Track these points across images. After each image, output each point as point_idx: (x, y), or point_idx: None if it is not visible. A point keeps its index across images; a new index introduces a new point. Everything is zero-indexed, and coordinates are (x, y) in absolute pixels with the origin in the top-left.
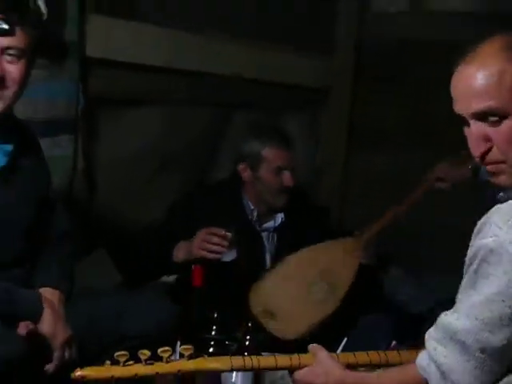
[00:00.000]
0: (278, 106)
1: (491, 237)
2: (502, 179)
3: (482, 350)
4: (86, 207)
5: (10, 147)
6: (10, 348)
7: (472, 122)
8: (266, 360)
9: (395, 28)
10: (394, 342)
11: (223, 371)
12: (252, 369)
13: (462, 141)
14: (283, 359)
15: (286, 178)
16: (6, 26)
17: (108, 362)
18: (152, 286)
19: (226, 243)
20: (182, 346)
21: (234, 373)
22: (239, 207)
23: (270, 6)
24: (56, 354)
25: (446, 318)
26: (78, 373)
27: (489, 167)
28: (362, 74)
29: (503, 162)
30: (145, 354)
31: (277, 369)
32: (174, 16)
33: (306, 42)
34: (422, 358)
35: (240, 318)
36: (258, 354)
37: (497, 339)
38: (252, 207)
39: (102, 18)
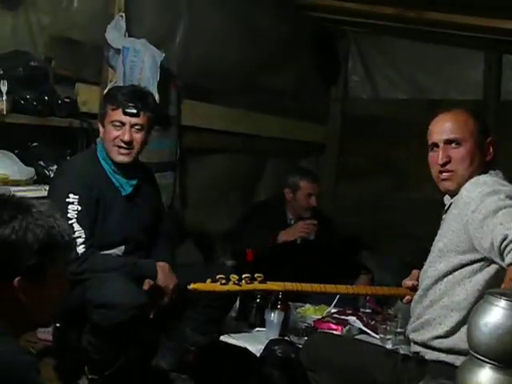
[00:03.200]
0: (293, 154)
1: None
2: (448, 184)
3: None
4: (181, 216)
5: (135, 181)
6: (138, 298)
7: (441, 145)
8: (305, 286)
9: (365, 107)
10: None
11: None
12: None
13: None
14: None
15: (312, 200)
16: (134, 111)
17: (209, 280)
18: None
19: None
20: (256, 274)
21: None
22: (283, 217)
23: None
24: (167, 296)
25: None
26: (191, 286)
27: (443, 175)
28: (346, 135)
29: (453, 172)
30: (234, 277)
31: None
32: (232, 99)
33: (312, 116)
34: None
35: None
36: None
37: None
38: (291, 217)
39: (190, 101)
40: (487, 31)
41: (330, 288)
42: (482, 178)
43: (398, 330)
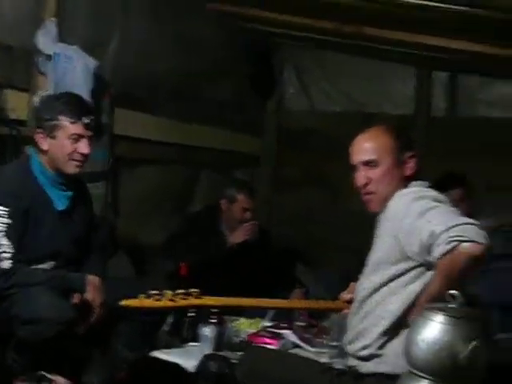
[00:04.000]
0: (228, 165)
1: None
2: (372, 206)
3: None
4: (113, 228)
5: (71, 193)
6: (65, 312)
7: (361, 167)
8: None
9: (300, 120)
10: None
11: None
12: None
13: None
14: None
15: (247, 215)
16: (92, 123)
17: (142, 296)
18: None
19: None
20: (191, 289)
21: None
22: (217, 229)
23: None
24: (95, 311)
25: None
26: (123, 302)
27: (365, 196)
28: (281, 147)
29: (374, 193)
30: (168, 293)
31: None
32: (166, 108)
33: (247, 127)
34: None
35: None
36: None
37: None
38: (225, 229)
39: (123, 110)
40: (417, 47)
41: (266, 302)
42: (407, 189)
43: (334, 343)
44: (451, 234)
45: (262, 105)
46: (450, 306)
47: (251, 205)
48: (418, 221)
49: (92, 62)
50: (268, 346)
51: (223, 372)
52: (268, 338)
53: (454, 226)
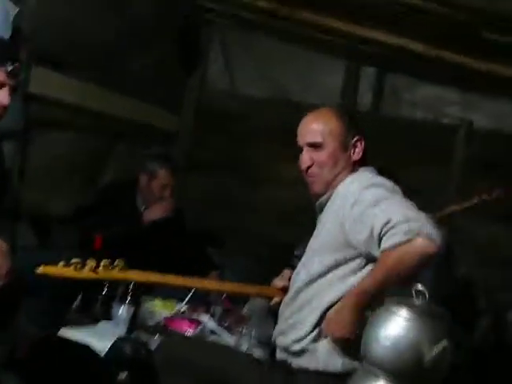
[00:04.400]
0: (143, 139)
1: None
2: (315, 187)
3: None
4: (18, 194)
5: None
6: None
7: (305, 148)
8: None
9: (222, 101)
10: None
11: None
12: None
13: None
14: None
15: (167, 192)
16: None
17: (62, 264)
18: None
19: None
20: (116, 261)
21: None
22: (133, 203)
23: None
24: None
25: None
26: (41, 269)
27: (309, 179)
28: (199, 127)
29: (318, 175)
30: (91, 262)
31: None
32: (86, 72)
33: (167, 102)
34: (401, 230)
35: None
36: None
37: None
38: (141, 204)
39: (40, 68)
40: (350, 37)
41: (194, 282)
42: (359, 174)
43: (253, 333)
44: (411, 227)
45: (183, 81)
46: (416, 302)
47: (172, 182)
48: (370, 209)
49: (13, 8)
50: (186, 332)
51: (139, 357)
52: (185, 322)
53: (413, 219)
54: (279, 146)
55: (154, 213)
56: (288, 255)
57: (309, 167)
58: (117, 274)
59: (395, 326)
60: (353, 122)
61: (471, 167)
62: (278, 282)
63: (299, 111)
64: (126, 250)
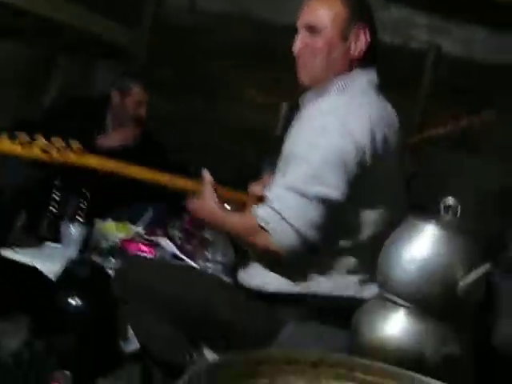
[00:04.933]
0: (93, 52)
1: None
2: (302, 75)
3: (323, 203)
4: None
5: None
6: None
7: (301, 31)
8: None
9: (181, 15)
10: None
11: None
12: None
13: None
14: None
15: (142, 110)
16: None
17: (5, 136)
18: None
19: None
20: (71, 141)
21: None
22: (102, 123)
23: None
24: None
25: (289, 181)
26: None
27: (298, 66)
28: (155, 43)
29: (307, 62)
30: (40, 139)
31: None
32: None
33: (120, 14)
34: (264, 211)
35: None
36: None
37: (332, 194)
38: (111, 124)
39: None
40: None
41: (164, 177)
42: (343, 83)
43: (218, 258)
44: (270, 216)
45: None
46: (446, 217)
47: (147, 99)
48: (290, 156)
49: None
50: (145, 255)
51: (94, 281)
52: (144, 245)
53: (284, 208)
54: (241, 67)
55: (110, 140)
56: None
57: (299, 51)
58: (72, 157)
59: (422, 246)
60: (360, 6)
61: (438, 93)
62: (256, 187)
63: (265, 30)
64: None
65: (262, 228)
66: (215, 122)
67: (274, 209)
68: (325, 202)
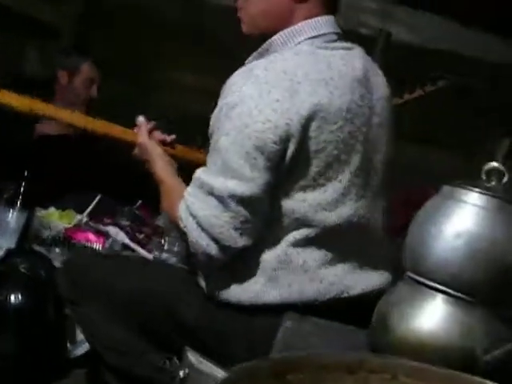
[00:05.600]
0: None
1: (234, 92)
2: (243, 26)
3: (234, 200)
4: None
5: None
6: None
7: None
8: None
9: None
10: None
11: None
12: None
13: None
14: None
15: (94, 90)
16: None
17: None
18: None
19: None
20: None
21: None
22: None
23: None
24: None
25: (201, 175)
26: None
27: (239, 15)
28: (85, 21)
29: (243, 10)
30: None
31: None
32: None
33: None
34: (182, 209)
35: None
36: None
37: (244, 188)
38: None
39: None
40: None
41: (98, 123)
42: (260, 60)
43: (175, 248)
44: (197, 220)
45: None
46: (491, 185)
47: (98, 78)
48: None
49: None
50: (92, 246)
51: (39, 275)
52: (91, 234)
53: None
54: (177, 47)
55: (51, 127)
56: None
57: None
58: None
59: (465, 218)
60: None
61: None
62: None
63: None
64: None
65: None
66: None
67: (189, 209)
68: (239, 199)
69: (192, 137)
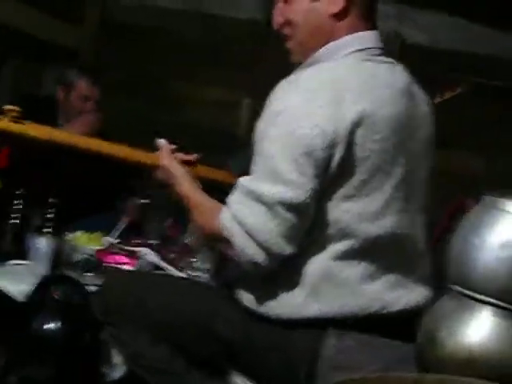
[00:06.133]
0: (42, 57)
1: (279, 100)
2: (292, 55)
3: (283, 206)
4: None
5: None
6: None
7: (279, 1)
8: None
9: (129, 12)
10: None
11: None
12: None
13: None
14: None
15: (89, 105)
16: None
17: None
18: None
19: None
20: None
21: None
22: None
23: None
24: None
25: (246, 182)
26: None
27: (283, 38)
28: (104, 43)
29: (290, 37)
30: None
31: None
32: None
33: (66, 13)
34: (226, 217)
35: None
36: None
37: (292, 194)
38: (61, 123)
39: None
40: None
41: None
42: (305, 71)
43: (206, 266)
44: (245, 228)
45: None
46: None
47: (93, 93)
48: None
49: None
50: (124, 267)
51: (73, 301)
52: (122, 256)
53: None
54: (196, 64)
55: (71, 129)
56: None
57: (281, 26)
58: (8, 124)
59: (510, 230)
60: None
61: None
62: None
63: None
64: (36, 172)
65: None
66: (175, 125)
67: (235, 217)
68: (287, 205)
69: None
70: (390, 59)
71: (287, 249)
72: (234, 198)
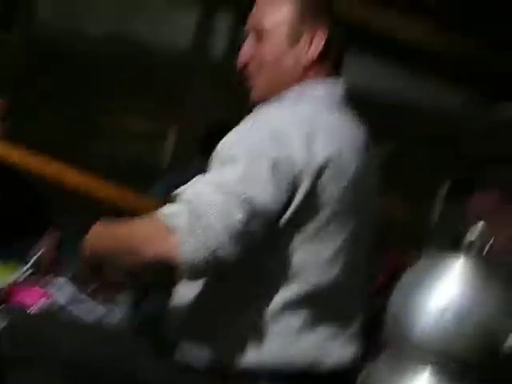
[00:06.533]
0: None
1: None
2: (253, 94)
3: (249, 206)
4: None
5: None
6: None
7: (250, 35)
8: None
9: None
10: None
11: None
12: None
13: None
14: None
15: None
16: None
17: None
18: None
19: None
20: None
21: None
22: None
23: None
24: None
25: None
26: None
27: (246, 82)
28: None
29: (253, 76)
30: None
31: None
32: None
33: None
34: (175, 206)
35: None
36: None
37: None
38: None
39: None
40: None
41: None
42: (294, 94)
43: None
44: (200, 213)
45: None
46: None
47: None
48: (222, 148)
49: None
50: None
51: None
52: (38, 290)
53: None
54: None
55: None
56: None
57: (245, 64)
58: None
59: (453, 288)
60: (317, 4)
61: None
62: None
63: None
64: None
65: (172, 231)
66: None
67: (190, 202)
68: (253, 205)
69: None
70: (350, 107)
71: (230, 249)
72: (193, 190)
